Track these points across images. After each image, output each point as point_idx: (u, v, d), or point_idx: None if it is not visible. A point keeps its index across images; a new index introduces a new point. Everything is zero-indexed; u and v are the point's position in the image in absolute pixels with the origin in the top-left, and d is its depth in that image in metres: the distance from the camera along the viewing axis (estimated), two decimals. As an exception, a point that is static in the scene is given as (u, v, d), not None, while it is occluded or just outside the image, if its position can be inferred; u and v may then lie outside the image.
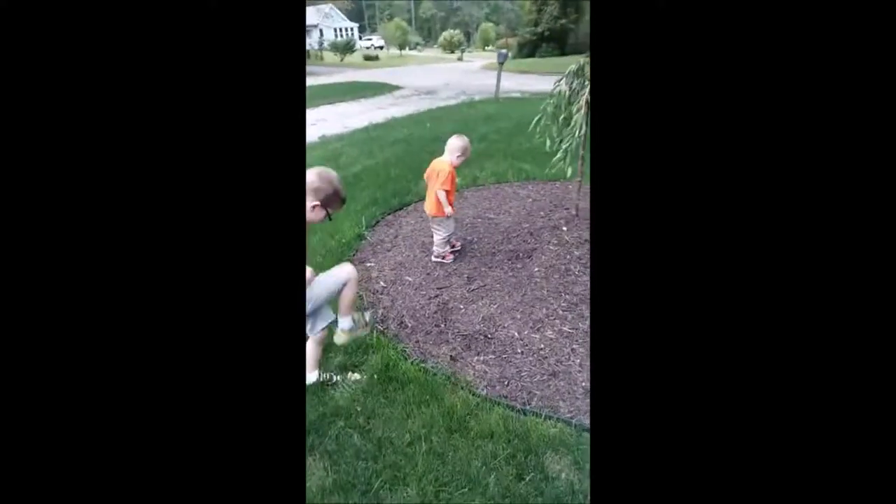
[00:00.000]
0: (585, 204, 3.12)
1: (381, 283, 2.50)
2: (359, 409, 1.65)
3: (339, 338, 1.75)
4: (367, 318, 1.81)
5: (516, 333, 2.06)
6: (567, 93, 2.56)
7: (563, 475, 1.39)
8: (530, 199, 3.60)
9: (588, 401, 1.67)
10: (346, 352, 1.93)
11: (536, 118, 2.73)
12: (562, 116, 2.62)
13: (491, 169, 4.38)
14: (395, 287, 2.46)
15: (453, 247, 2.74)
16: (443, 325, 2.14)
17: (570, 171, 2.62)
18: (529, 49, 26.34)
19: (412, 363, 1.87)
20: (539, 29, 25.76)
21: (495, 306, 2.25)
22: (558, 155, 2.65)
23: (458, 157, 2.50)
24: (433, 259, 2.68)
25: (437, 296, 2.37)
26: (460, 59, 29.53)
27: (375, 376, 1.78)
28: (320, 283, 1.61)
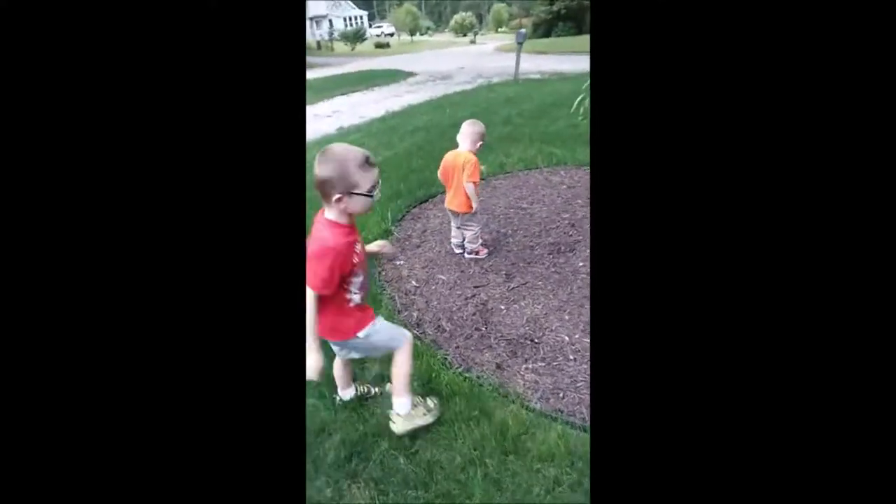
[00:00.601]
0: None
1: (413, 283, 2.34)
2: (401, 427, 1.50)
3: (398, 426, 1.41)
4: (432, 405, 1.49)
5: (566, 337, 1.88)
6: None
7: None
8: (564, 186, 3.37)
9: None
10: (383, 361, 1.78)
11: (579, 98, 2.51)
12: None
13: (518, 155, 4.16)
14: (429, 287, 2.30)
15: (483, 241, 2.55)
16: (484, 329, 1.97)
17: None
18: (545, 29, 25.55)
19: (455, 373, 1.71)
20: (555, 8, 24.93)
21: (539, 306, 2.07)
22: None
23: (478, 144, 2.28)
24: (466, 256, 2.50)
25: (474, 296, 2.20)
26: (473, 41, 28.91)
27: (416, 384, 1.62)
28: (377, 334, 1.35)
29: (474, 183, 2.27)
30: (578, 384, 1.66)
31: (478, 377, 1.71)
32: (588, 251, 2.44)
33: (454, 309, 2.12)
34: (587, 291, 2.14)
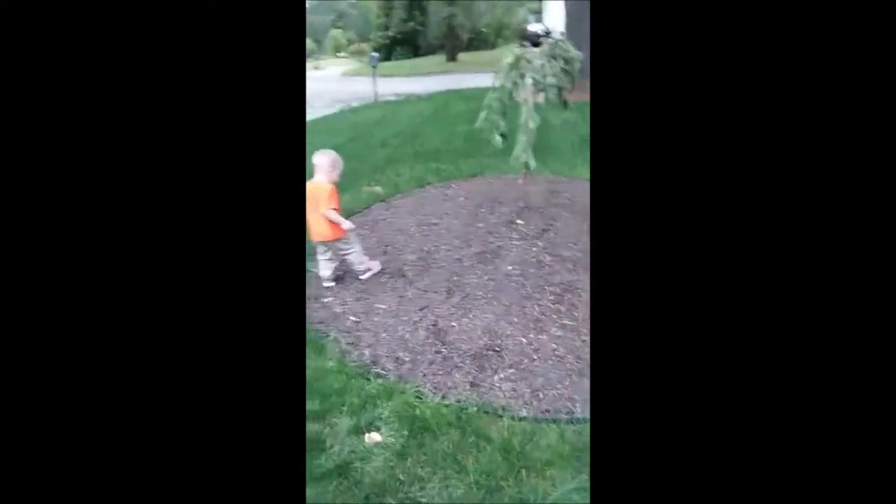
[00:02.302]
0: (535, 195, 3.15)
1: (352, 318, 2.16)
2: (402, 477, 1.36)
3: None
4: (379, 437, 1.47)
5: (523, 339, 1.94)
6: (509, 87, 2.51)
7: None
8: (462, 198, 3.50)
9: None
10: (352, 410, 1.60)
11: (483, 114, 2.64)
12: (499, 111, 2.56)
13: (408, 174, 4.19)
14: (370, 319, 2.15)
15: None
16: (444, 350, 1.92)
17: (533, 163, 2.58)
18: (384, 53, 26.41)
19: (434, 404, 1.62)
20: (390, 32, 25.96)
21: (488, 315, 2.10)
22: (517, 149, 2.60)
23: (334, 172, 2.31)
24: (362, 278, 2.42)
25: (421, 318, 2.12)
26: (317, 67, 28.39)
27: (406, 433, 1.49)
28: None
29: (335, 209, 2.27)
30: (551, 380, 1.72)
31: (458, 401, 1.64)
32: (511, 254, 2.57)
33: (406, 336, 2.01)
34: (523, 291, 2.24)
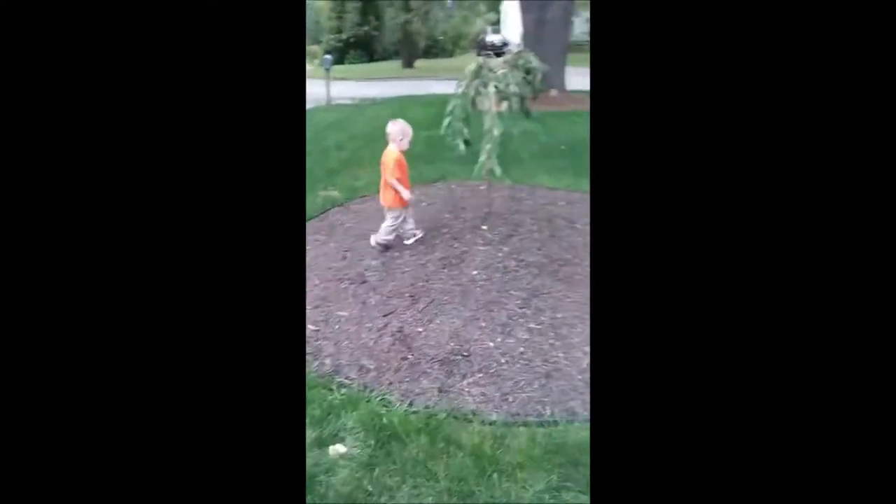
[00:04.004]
0: (499, 202, 3.16)
1: (311, 327, 2.07)
2: (370, 488, 1.30)
3: None
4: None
5: (491, 343, 1.94)
6: (472, 94, 2.53)
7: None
8: (424, 204, 3.48)
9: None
10: (313, 422, 1.52)
11: (447, 121, 2.64)
12: (462, 118, 2.58)
13: (367, 178, 4.11)
14: (331, 327, 2.07)
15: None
16: (411, 356, 1.88)
17: (499, 171, 2.61)
18: (337, 57, 25.99)
19: (401, 412, 1.58)
20: (344, 36, 25.61)
21: (455, 320, 2.08)
22: (483, 156, 2.61)
23: (402, 140, 2.60)
24: (407, 243, 2.71)
25: (385, 325, 2.07)
26: (265, 67, 27.32)
27: (373, 442, 1.44)
28: None
29: (397, 178, 2.55)
30: (520, 384, 1.73)
31: (426, 407, 1.61)
32: (477, 259, 2.58)
33: (370, 344, 1.96)
34: (490, 296, 2.25)
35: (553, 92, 7.76)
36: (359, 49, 26.00)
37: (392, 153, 2.58)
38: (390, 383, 1.74)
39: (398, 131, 2.58)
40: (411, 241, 2.72)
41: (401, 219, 2.65)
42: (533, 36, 8.10)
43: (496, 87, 2.55)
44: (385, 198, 2.63)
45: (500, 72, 2.58)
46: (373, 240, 2.69)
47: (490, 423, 1.54)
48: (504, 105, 2.63)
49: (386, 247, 2.67)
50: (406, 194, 2.57)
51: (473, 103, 2.60)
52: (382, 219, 2.77)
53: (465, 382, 1.74)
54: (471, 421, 1.54)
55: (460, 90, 2.62)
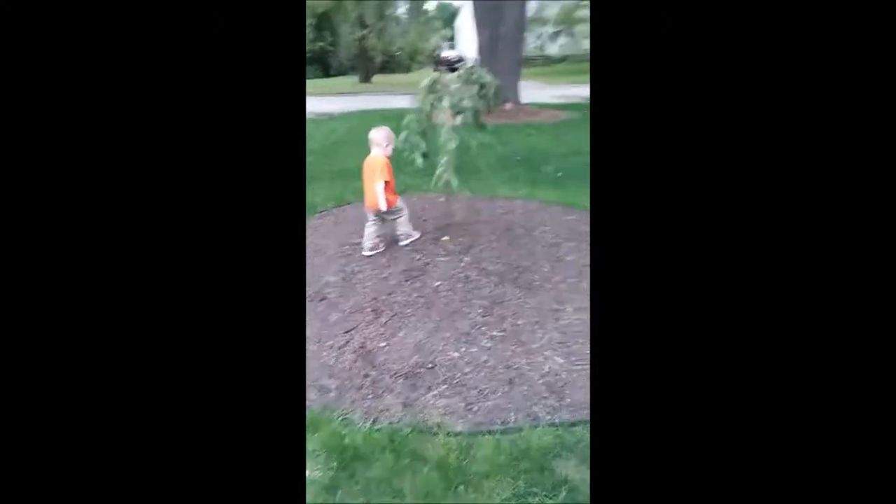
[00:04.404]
0: (458, 214, 3.17)
1: (270, 348, 2.00)
2: (334, 513, 1.26)
3: None
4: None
5: (456, 353, 1.94)
6: (427, 109, 2.57)
7: (581, 476, 1.36)
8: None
9: (558, 396, 1.70)
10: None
11: (403, 135, 2.65)
12: (419, 132, 2.61)
13: (324, 192, 4.05)
14: (291, 347, 2.00)
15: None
16: (373, 373, 1.84)
17: (456, 183, 2.64)
18: (294, 71, 25.54)
19: (365, 430, 1.54)
20: (300, 51, 25.30)
21: (419, 332, 2.07)
22: (440, 169, 2.64)
23: (387, 146, 2.67)
24: (402, 244, 2.84)
25: (347, 342, 2.03)
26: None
27: (335, 464, 1.39)
28: None
29: (386, 182, 2.62)
30: (484, 392, 1.73)
31: (390, 424, 1.58)
32: (438, 270, 2.58)
33: (330, 363, 1.91)
34: (453, 306, 2.26)
35: (508, 105, 7.98)
36: (315, 64, 25.82)
37: (379, 159, 2.63)
38: (352, 402, 1.70)
39: (383, 137, 2.64)
40: (406, 242, 2.82)
41: (401, 216, 2.77)
42: (488, 51, 8.32)
43: (451, 101, 2.59)
44: (371, 203, 2.68)
45: (454, 86, 2.63)
46: (365, 251, 2.75)
47: (455, 435, 1.53)
48: (459, 119, 2.68)
49: (378, 250, 2.76)
50: (383, 204, 2.62)
51: (429, 117, 2.64)
52: (340, 234, 2.74)
53: (429, 395, 1.72)
54: (436, 434, 1.53)
55: (415, 105, 2.65)
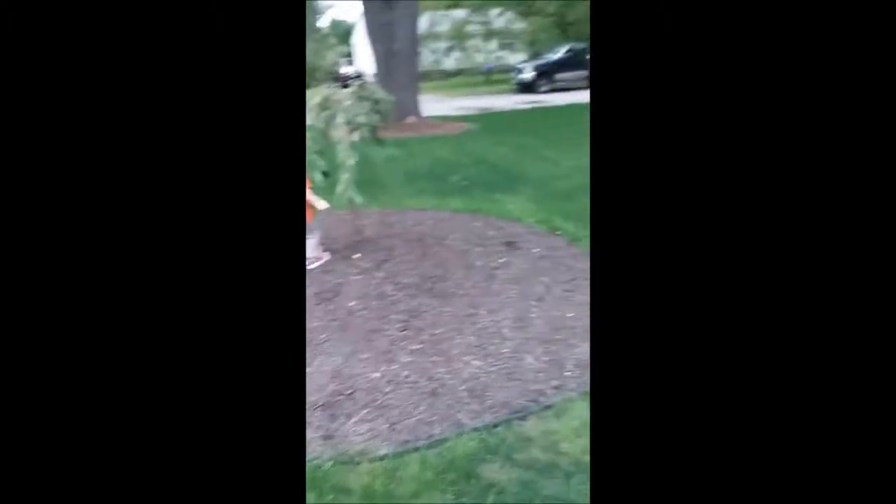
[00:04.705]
0: (368, 229, 3.12)
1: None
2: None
3: None
4: None
5: (376, 374, 1.89)
6: (321, 126, 2.50)
7: (507, 477, 1.39)
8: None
9: (480, 399, 1.72)
10: None
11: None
12: (316, 149, 2.54)
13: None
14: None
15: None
16: (289, 408, 1.73)
17: (359, 199, 2.58)
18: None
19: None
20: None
21: (335, 357, 1.98)
22: (340, 186, 2.57)
23: None
24: (309, 268, 2.69)
25: (257, 380, 1.88)
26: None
27: None
28: None
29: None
30: (407, 409, 1.70)
31: (311, 460, 1.49)
32: (352, 290, 2.50)
33: (240, 405, 1.75)
34: (370, 325, 2.20)
35: (410, 119, 8.10)
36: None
37: None
38: (268, 444, 1.57)
39: None
40: (314, 265, 2.72)
41: (308, 238, 2.64)
42: (384, 67, 8.39)
43: (345, 117, 2.56)
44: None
45: (347, 103, 2.61)
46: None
47: (381, 459, 1.48)
48: (356, 135, 2.65)
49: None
50: (322, 204, 2.58)
51: (324, 134, 2.58)
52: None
53: (350, 423, 1.65)
54: (359, 462, 1.47)
55: (309, 122, 2.58)
